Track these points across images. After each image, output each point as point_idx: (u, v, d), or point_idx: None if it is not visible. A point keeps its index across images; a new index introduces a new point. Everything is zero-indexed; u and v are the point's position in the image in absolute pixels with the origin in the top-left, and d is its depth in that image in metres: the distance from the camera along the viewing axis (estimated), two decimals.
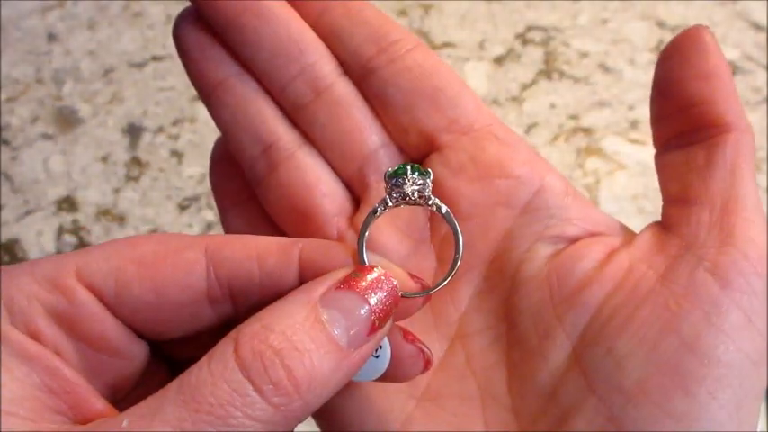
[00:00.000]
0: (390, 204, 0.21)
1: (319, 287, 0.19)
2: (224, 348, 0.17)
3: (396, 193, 0.21)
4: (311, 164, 0.24)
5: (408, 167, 0.21)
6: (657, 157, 0.22)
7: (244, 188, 0.25)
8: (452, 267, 0.22)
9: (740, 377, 0.19)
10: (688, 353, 0.19)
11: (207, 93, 0.25)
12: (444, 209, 0.22)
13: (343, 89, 0.24)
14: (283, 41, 0.24)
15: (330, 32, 0.24)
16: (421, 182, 0.21)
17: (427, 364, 0.21)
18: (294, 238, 0.21)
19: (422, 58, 0.24)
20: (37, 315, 0.18)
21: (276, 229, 0.25)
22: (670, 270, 0.20)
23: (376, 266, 0.20)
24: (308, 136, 0.24)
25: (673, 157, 0.22)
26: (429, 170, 0.22)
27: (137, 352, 0.20)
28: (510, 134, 0.24)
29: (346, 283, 0.19)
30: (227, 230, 0.26)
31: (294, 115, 0.24)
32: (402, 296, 0.20)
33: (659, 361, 0.19)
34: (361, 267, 0.20)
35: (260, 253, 0.20)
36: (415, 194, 0.21)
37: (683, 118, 0.21)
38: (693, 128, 0.21)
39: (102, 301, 0.19)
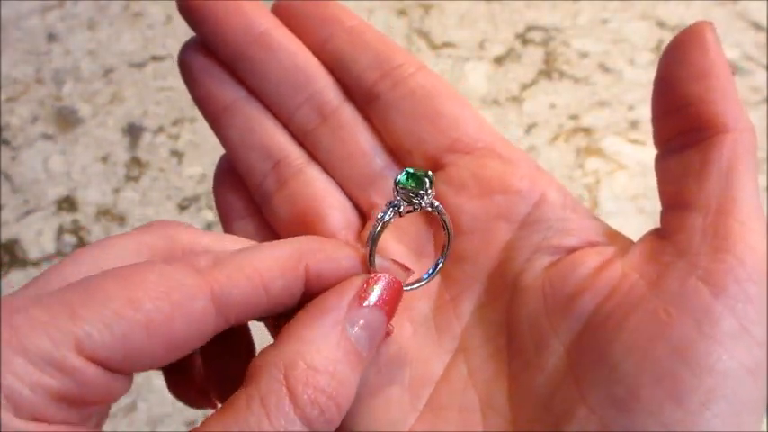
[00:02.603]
0: (402, 214, 0.21)
1: (342, 304, 0.20)
2: (279, 397, 0.18)
3: (409, 203, 0.21)
4: (320, 178, 0.25)
5: (426, 180, 0.21)
6: (657, 161, 0.22)
7: (248, 204, 0.26)
8: (442, 255, 0.23)
9: (735, 387, 0.18)
10: (679, 362, 0.18)
11: (215, 115, 0.25)
12: (442, 210, 0.22)
13: (348, 114, 0.25)
14: (289, 71, 0.24)
15: (334, 59, 0.25)
16: (432, 192, 0.21)
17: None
18: (296, 247, 0.21)
19: (424, 80, 0.24)
20: (44, 404, 0.17)
21: None
22: (661, 278, 0.20)
23: (385, 273, 0.21)
24: (316, 159, 0.25)
25: (670, 161, 0.21)
26: (431, 174, 0.22)
27: (128, 385, 0.20)
28: (512, 150, 0.24)
29: (365, 297, 0.20)
30: None
31: (301, 139, 0.25)
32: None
33: (650, 370, 0.19)
34: (375, 276, 0.21)
35: (265, 280, 0.20)
36: (428, 206, 0.21)
37: (679, 117, 0.21)
38: (689, 128, 0.20)
39: (109, 368, 0.18)
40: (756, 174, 0.20)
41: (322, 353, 0.19)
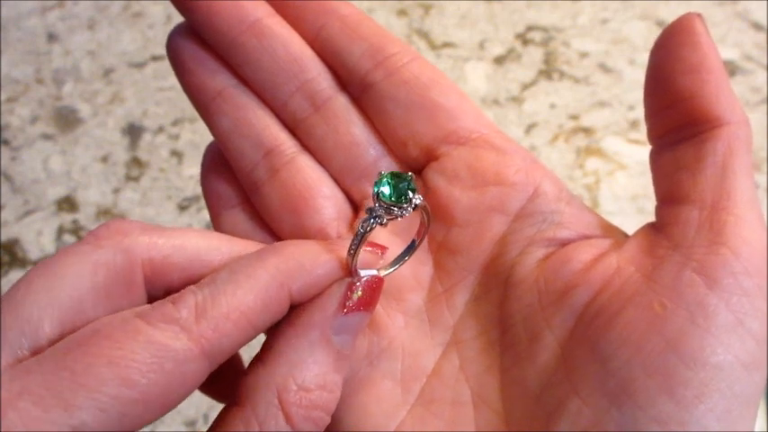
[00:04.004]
0: (385, 224, 0.20)
1: (326, 317, 0.20)
2: (276, 421, 0.19)
3: (390, 213, 0.20)
4: (313, 167, 0.25)
5: (408, 192, 0.20)
6: (651, 155, 0.22)
7: (236, 193, 0.25)
8: (412, 243, 0.23)
9: (729, 381, 0.18)
10: (673, 355, 0.18)
11: (205, 102, 0.25)
12: (424, 205, 0.21)
13: (342, 104, 0.25)
14: (282, 59, 0.24)
15: (328, 48, 0.24)
16: (416, 197, 0.20)
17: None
18: (275, 273, 0.20)
19: (419, 70, 0.24)
20: None
21: (270, 234, 0.25)
22: (656, 270, 0.20)
23: (367, 275, 0.21)
24: (308, 148, 0.25)
25: (665, 156, 0.21)
26: (413, 181, 0.20)
27: None
28: (507, 142, 0.24)
29: (348, 306, 0.20)
30: None
31: (293, 129, 0.25)
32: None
33: (644, 363, 0.18)
34: (356, 284, 0.21)
35: (252, 320, 0.19)
36: (412, 210, 0.21)
37: (672, 113, 0.20)
38: (684, 123, 0.20)
39: None
40: (751, 166, 0.20)
41: (312, 370, 0.20)
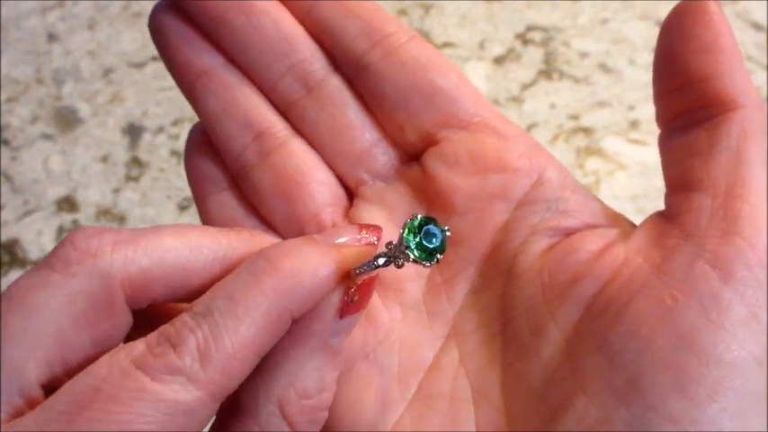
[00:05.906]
0: (401, 266, 0.20)
1: (325, 326, 0.20)
2: (281, 429, 0.19)
3: (416, 263, 0.20)
4: (306, 151, 0.24)
5: (438, 255, 0.19)
6: (660, 141, 0.21)
7: (224, 177, 0.24)
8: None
9: (743, 378, 0.17)
10: (685, 351, 0.17)
11: (191, 81, 0.24)
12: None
13: (335, 85, 0.23)
14: (272, 38, 0.23)
15: (321, 27, 0.23)
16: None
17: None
18: (276, 299, 0.18)
19: (417, 50, 0.23)
20: None
21: (258, 218, 0.24)
22: (667, 261, 0.19)
23: (363, 275, 0.20)
24: (300, 132, 0.24)
25: (676, 141, 0.20)
26: (447, 230, 0.20)
27: None
28: (510, 126, 0.23)
29: (347, 309, 0.20)
30: (205, 221, 0.25)
31: (284, 111, 0.24)
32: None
33: (654, 358, 0.18)
34: (353, 290, 0.20)
35: (259, 350, 0.18)
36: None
37: (684, 95, 0.19)
38: (696, 106, 0.19)
39: None
40: (765, 152, 0.19)
41: (311, 377, 0.19)
